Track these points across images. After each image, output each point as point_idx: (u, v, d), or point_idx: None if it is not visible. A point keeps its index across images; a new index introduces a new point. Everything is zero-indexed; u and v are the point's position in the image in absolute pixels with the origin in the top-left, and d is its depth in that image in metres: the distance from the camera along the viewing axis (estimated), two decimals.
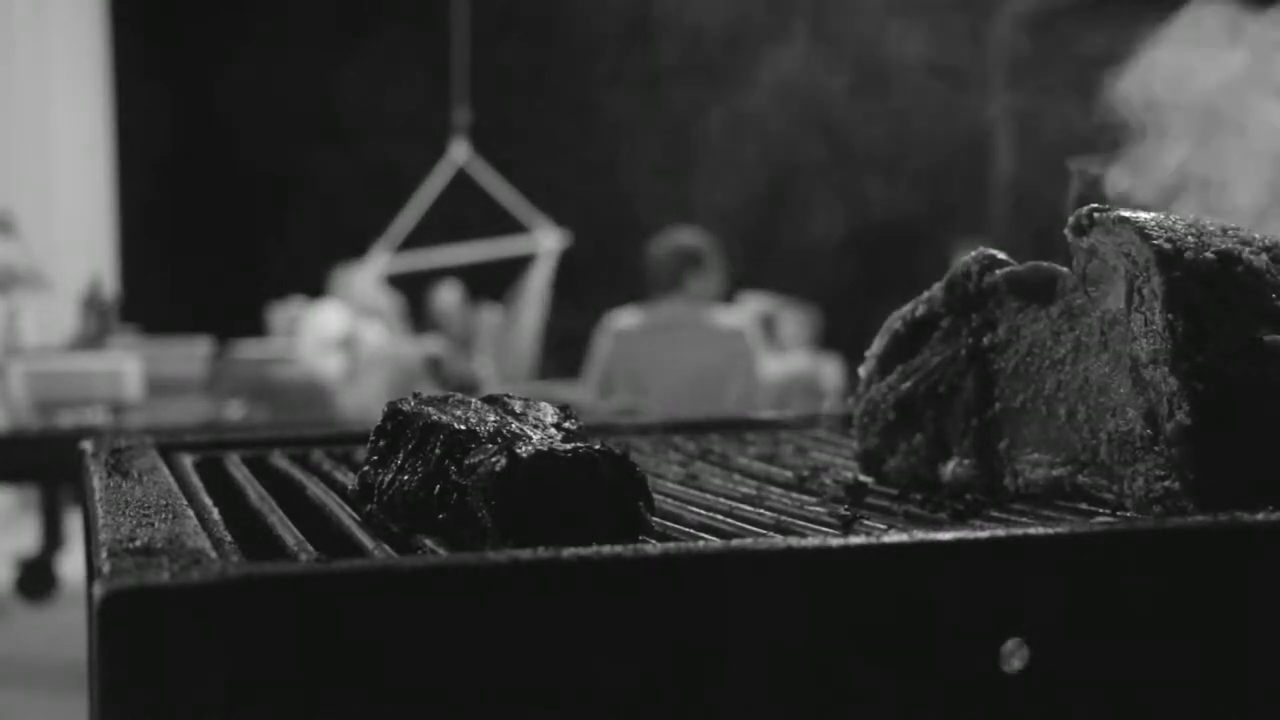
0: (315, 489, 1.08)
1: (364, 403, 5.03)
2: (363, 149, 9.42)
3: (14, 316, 5.25)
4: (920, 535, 0.77)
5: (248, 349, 5.73)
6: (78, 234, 8.31)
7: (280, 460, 1.22)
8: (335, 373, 5.33)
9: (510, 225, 8.24)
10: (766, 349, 5.50)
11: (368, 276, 6.98)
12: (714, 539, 0.87)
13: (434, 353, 6.09)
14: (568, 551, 0.71)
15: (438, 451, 0.89)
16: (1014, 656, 0.76)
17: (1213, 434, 0.90)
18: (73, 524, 5.38)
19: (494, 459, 0.84)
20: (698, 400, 4.71)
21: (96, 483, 1.00)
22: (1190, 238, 0.95)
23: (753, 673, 0.73)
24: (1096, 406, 1.00)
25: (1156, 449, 0.93)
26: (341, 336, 5.77)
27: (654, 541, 0.80)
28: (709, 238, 5.06)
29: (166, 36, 9.49)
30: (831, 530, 0.92)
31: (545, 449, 0.84)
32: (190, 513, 0.87)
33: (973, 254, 1.11)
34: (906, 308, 1.16)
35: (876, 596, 0.75)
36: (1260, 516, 0.83)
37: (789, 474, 1.17)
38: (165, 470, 1.08)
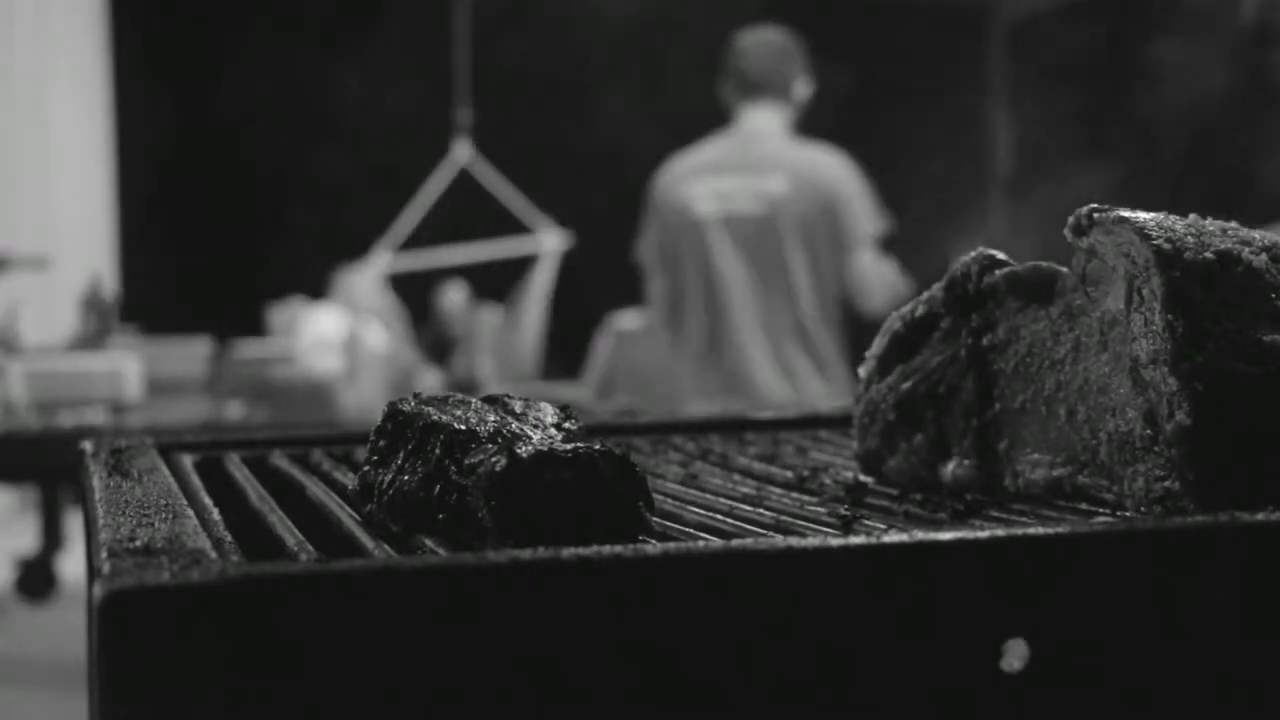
0: (315, 489, 1.08)
1: (364, 403, 5.03)
2: (363, 149, 9.42)
3: (14, 316, 5.25)
4: (920, 535, 0.77)
5: (248, 349, 5.73)
6: (78, 233, 8.31)
7: (280, 460, 1.22)
8: (335, 373, 5.33)
9: (512, 226, 8.25)
10: None
11: (367, 278, 6.98)
12: (714, 539, 0.87)
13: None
14: (568, 551, 0.71)
15: (438, 451, 0.89)
16: (1014, 656, 0.76)
17: (1213, 434, 0.90)
18: (73, 524, 5.38)
19: (494, 459, 0.84)
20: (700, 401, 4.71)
21: (96, 483, 1.00)
22: (1190, 238, 0.95)
23: (752, 672, 0.73)
24: (1096, 406, 1.00)
25: (1156, 449, 0.93)
26: (341, 338, 5.77)
27: (654, 541, 0.80)
28: None
29: (167, 36, 9.49)
30: (831, 530, 0.92)
31: (545, 449, 0.84)
32: (190, 513, 0.87)
33: (973, 254, 1.11)
34: (906, 308, 1.16)
35: (876, 596, 0.75)
36: (1260, 516, 0.83)
37: (789, 474, 1.17)
38: (165, 470, 1.08)
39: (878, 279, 3.75)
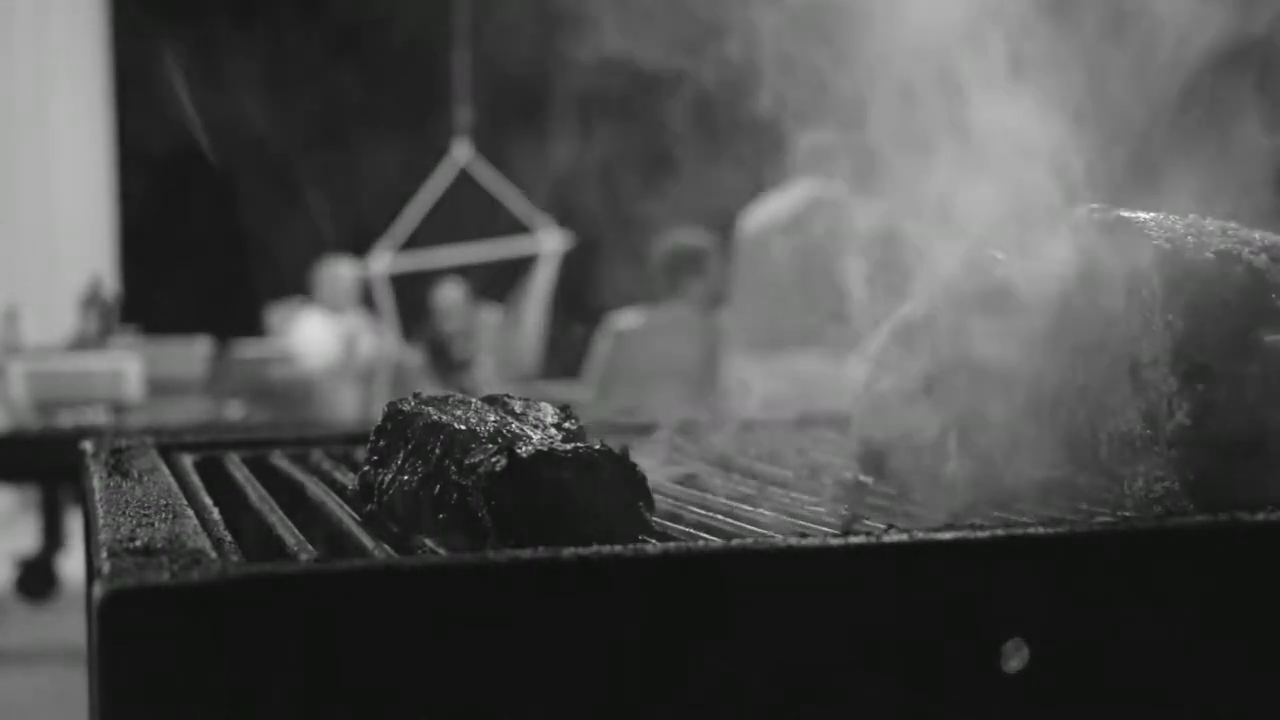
0: (315, 489, 1.08)
1: (355, 403, 5.03)
2: (363, 149, 9.41)
3: (14, 317, 5.25)
4: (920, 535, 0.77)
5: (248, 349, 5.73)
6: (78, 234, 8.31)
7: (280, 460, 1.22)
8: (323, 372, 5.33)
9: (512, 226, 8.24)
10: None
11: (346, 274, 6.97)
12: (714, 539, 0.87)
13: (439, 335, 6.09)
14: (568, 551, 0.71)
15: (438, 451, 0.89)
16: (1014, 656, 0.76)
17: (1213, 434, 0.90)
18: (73, 524, 5.38)
19: (494, 459, 0.84)
20: (697, 401, 4.72)
21: (96, 483, 1.00)
22: (1190, 238, 0.95)
23: (752, 672, 0.73)
24: (1096, 407, 1.00)
25: (1156, 449, 0.93)
26: (329, 336, 5.77)
27: (654, 541, 0.80)
28: (710, 238, 5.07)
29: (167, 36, 9.47)
30: (831, 530, 0.92)
31: (545, 449, 0.84)
32: (190, 513, 0.87)
33: (971, 254, 1.11)
34: (907, 307, 1.16)
35: (876, 596, 0.75)
36: (1260, 516, 0.83)
37: (789, 474, 1.17)
38: (165, 470, 1.08)
39: None
